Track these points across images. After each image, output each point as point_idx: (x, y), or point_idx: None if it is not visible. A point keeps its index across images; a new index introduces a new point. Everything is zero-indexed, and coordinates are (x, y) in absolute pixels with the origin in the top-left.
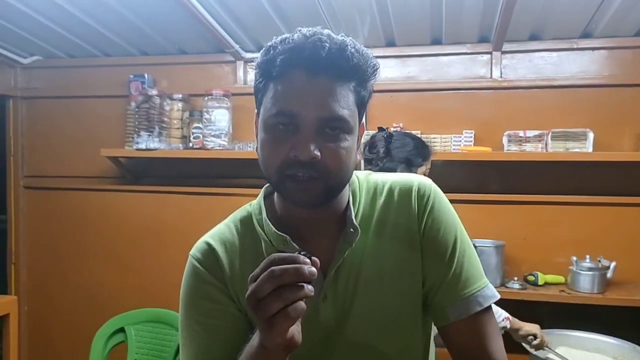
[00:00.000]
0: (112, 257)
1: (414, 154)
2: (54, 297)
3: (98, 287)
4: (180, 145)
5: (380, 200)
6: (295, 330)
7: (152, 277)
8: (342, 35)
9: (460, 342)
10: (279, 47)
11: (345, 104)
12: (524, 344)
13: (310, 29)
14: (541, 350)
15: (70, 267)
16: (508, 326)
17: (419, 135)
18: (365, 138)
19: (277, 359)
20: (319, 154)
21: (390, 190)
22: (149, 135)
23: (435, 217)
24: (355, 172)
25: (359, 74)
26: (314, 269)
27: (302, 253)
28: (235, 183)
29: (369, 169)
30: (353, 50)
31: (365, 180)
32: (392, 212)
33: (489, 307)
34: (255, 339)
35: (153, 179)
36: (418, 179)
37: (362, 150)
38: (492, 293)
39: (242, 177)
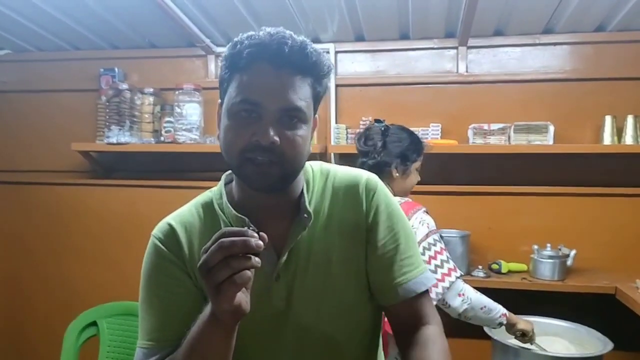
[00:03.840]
0: (83, 251)
1: (411, 149)
2: (25, 292)
3: (70, 281)
4: (152, 139)
5: (331, 193)
6: (243, 299)
7: (124, 271)
8: (301, 36)
9: (402, 319)
10: (246, 42)
11: (303, 96)
12: (514, 337)
13: (274, 28)
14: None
15: (42, 262)
16: (504, 322)
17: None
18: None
19: (226, 326)
20: (278, 139)
21: (340, 183)
22: (120, 129)
23: (381, 211)
24: (309, 162)
25: (316, 70)
26: (260, 242)
27: (250, 228)
28: (207, 176)
29: (364, 161)
30: (312, 49)
31: (319, 171)
32: (341, 203)
33: (427, 291)
34: (207, 310)
35: (124, 173)
36: (366, 176)
37: (356, 141)
38: (431, 276)
39: (213, 171)
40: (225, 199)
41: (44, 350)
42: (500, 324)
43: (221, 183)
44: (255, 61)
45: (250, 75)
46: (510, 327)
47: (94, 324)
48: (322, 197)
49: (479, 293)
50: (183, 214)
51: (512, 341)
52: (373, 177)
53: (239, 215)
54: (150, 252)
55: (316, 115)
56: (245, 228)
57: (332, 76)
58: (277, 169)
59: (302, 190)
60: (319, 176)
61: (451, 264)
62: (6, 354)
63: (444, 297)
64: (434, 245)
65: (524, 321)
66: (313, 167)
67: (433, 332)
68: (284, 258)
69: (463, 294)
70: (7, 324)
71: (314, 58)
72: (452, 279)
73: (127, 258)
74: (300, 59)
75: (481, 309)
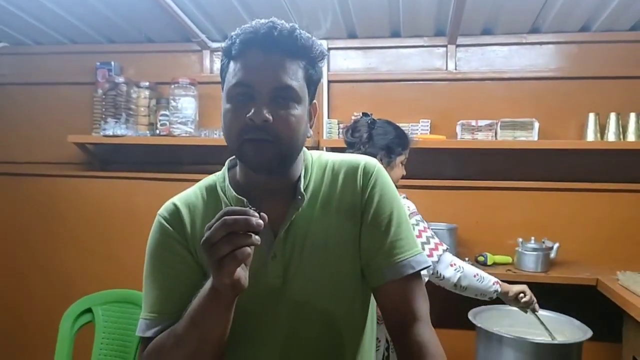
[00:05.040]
0: (79, 242)
1: (395, 142)
2: (22, 281)
3: (66, 271)
4: (147, 132)
5: (330, 177)
6: (242, 274)
7: (119, 262)
8: (293, 24)
9: (391, 301)
10: (239, 32)
11: (294, 77)
12: (516, 306)
13: (266, 19)
14: (530, 312)
15: (38, 252)
16: (499, 290)
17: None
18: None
19: (225, 300)
20: (270, 117)
21: (339, 168)
22: (116, 122)
23: (376, 192)
24: (310, 151)
25: (306, 53)
26: (260, 221)
27: (252, 208)
28: (201, 169)
29: (351, 152)
30: (300, 32)
31: (318, 159)
32: (339, 187)
33: (419, 273)
34: (208, 284)
35: (120, 165)
36: (365, 159)
37: (344, 133)
38: (424, 260)
39: (207, 164)
40: (227, 181)
41: (40, 337)
42: (496, 292)
43: (225, 167)
44: (247, 47)
45: (243, 60)
46: (506, 295)
47: (89, 310)
48: (321, 181)
49: (468, 264)
50: (188, 195)
51: (499, 328)
52: (372, 161)
53: (239, 196)
54: (155, 230)
55: (315, 101)
56: (247, 208)
57: (325, 69)
58: (273, 149)
59: (300, 175)
60: (318, 162)
61: (437, 239)
62: (4, 341)
63: (436, 270)
64: (417, 225)
65: (516, 285)
66: (313, 156)
67: (427, 340)
68: (280, 237)
69: (454, 264)
70: (5, 312)
71: (302, 41)
72: (440, 252)
73: (123, 248)
74: (289, 42)
75: (474, 276)
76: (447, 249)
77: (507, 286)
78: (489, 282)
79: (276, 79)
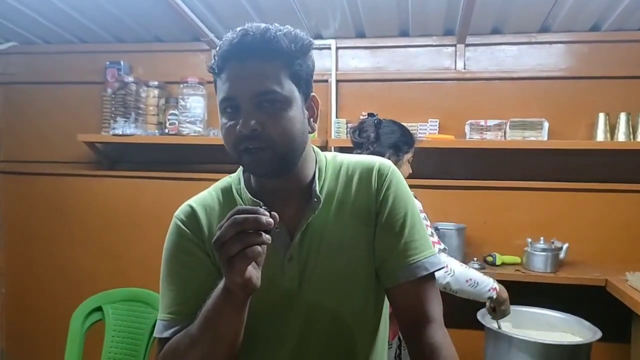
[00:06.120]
0: (89, 241)
1: (402, 141)
2: (32, 280)
3: (76, 270)
4: (156, 131)
5: (344, 179)
6: (254, 273)
7: (129, 261)
8: (267, 25)
9: (404, 302)
10: (218, 47)
11: (275, 80)
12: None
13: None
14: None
15: (48, 251)
16: (494, 296)
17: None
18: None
19: (237, 299)
20: (257, 126)
21: (354, 170)
22: (125, 121)
23: (390, 193)
24: (324, 153)
25: (285, 52)
26: (270, 219)
27: (262, 207)
28: (210, 168)
29: (359, 152)
30: (272, 35)
31: (332, 160)
32: (354, 189)
33: (433, 275)
34: (221, 284)
35: (129, 165)
36: (380, 161)
37: (350, 134)
38: (438, 261)
39: (216, 163)
40: (243, 184)
41: (52, 334)
42: (490, 298)
43: (240, 170)
44: (225, 61)
45: (224, 74)
46: (499, 303)
47: (99, 309)
48: (335, 183)
49: (466, 267)
50: (204, 197)
51: (507, 329)
52: (386, 162)
53: (254, 199)
54: (172, 232)
55: (313, 95)
56: (257, 207)
57: (333, 68)
58: (269, 153)
59: (314, 177)
60: (332, 164)
61: (435, 238)
62: (16, 338)
63: None
64: None
65: (509, 305)
66: (327, 157)
67: (440, 342)
68: (297, 240)
69: (445, 267)
70: (15, 311)
71: (278, 41)
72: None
73: (131, 247)
74: (263, 46)
75: (467, 281)
76: (445, 249)
77: (504, 295)
78: (485, 287)
79: (256, 85)
